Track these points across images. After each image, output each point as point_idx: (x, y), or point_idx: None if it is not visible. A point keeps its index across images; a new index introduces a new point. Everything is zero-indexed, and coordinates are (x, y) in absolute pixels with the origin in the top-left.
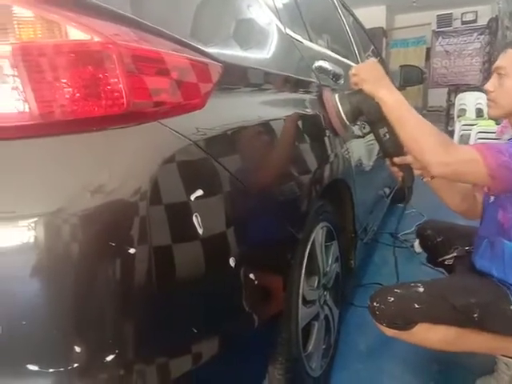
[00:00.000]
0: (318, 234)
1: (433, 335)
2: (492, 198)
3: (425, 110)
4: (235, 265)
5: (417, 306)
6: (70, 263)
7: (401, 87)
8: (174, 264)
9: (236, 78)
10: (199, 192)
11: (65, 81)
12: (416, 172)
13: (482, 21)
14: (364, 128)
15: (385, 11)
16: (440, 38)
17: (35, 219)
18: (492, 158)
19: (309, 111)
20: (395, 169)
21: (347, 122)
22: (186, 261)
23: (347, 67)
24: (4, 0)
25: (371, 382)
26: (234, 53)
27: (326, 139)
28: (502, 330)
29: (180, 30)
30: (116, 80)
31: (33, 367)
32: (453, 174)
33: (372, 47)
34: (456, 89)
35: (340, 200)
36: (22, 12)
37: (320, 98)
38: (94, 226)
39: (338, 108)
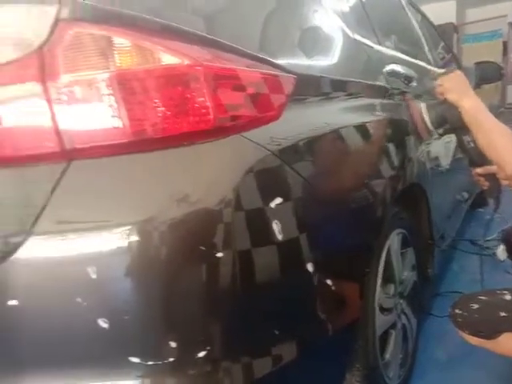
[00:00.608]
0: (394, 240)
1: None
2: None
3: (502, 108)
4: (313, 270)
5: (503, 315)
6: (168, 266)
7: (476, 85)
8: (257, 268)
9: (308, 87)
10: (278, 199)
11: (158, 101)
12: (503, 182)
13: None
14: (442, 132)
15: (455, 6)
16: None
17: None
18: None
19: (382, 116)
20: (481, 178)
21: (432, 129)
22: (268, 265)
23: (419, 69)
24: (105, 31)
25: None
26: (303, 62)
27: (401, 144)
28: None
29: (250, 44)
30: (203, 98)
31: (134, 359)
32: None
33: (442, 44)
34: None
35: (416, 205)
36: (121, 41)
37: (407, 105)
38: (186, 231)
39: (423, 115)
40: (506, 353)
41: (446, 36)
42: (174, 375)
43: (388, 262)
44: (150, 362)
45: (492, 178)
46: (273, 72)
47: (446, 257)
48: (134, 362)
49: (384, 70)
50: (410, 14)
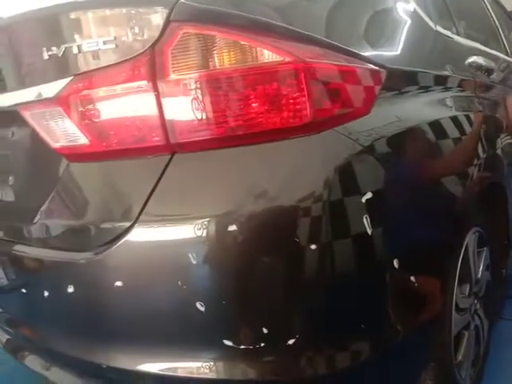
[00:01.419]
0: (471, 239)
1: None
2: None
3: None
4: (397, 266)
5: None
6: (258, 259)
7: None
8: (343, 262)
9: (397, 81)
10: (368, 194)
11: (261, 99)
12: None
13: None
14: None
15: None
16: None
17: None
18: None
19: (471, 111)
20: None
21: None
22: (354, 260)
23: (498, 60)
24: (209, 31)
25: None
26: (389, 56)
27: (488, 141)
28: None
29: (339, 37)
30: (301, 94)
31: (228, 342)
32: None
33: None
34: None
35: (495, 205)
36: (224, 41)
37: (503, 100)
38: (283, 222)
39: None
40: None
41: None
42: (263, 360)
43: (465, 261)
44: (242, 346)
45: None
46: (365, 66)
47: None
48: (228, 345)
49: (466, 62)
50: (485, 1)
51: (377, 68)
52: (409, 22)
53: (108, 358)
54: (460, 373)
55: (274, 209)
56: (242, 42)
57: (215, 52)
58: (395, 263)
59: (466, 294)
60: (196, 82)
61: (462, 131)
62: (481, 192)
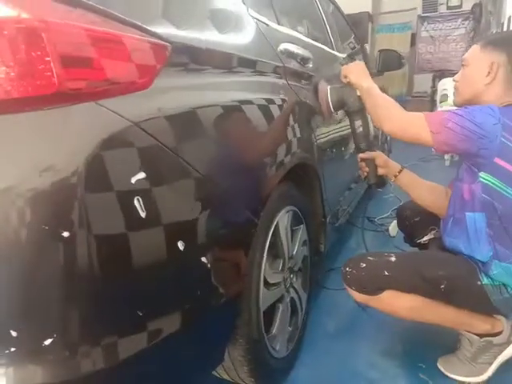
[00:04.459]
0: (283, 218)
1: (400, 302)
2: (459, 176)
3: (409, 96)
4: (186, 248)
5: (386, 273)
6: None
7: (379, 72)
8: (116, 248)
9: (187, 58)
10: (141, 174)
11: None
12: (380, 171)
13: (467, 6)
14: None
15: None
16: (425, 23)
17: None
18: (434, 116)
19: (272, 94)
20: (362, 164)
21: (332, 110)
22: (131, 245)
23: (319, 51)
24: None
25: (338, 362)
26: (187, 34)
27: (295, 125)
28: (467, 304)
29: (128, 9)
30: (46, 59)
31: None
32: (403, 129)
33: (353, 35)
34: (441, 74)
35: (309, 185)
36: None
37: (315, 86)
38: (26, 208)
39: (327, 97)
40: (386, 309)
41: (361, 24)
42: (34, 362)
43: (276, 239)
44: (12, 349)
45: (371, 163)
46: (141, 37)
47: (341, 233)
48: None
49: (278, 49)
50: (317, 1)
51: (159, 41)
52: (218, 2)
53: None
54: (273, 345)
55: (20, 190)
56: None
57: None
58: (180, 246)
59: (279, 269)
60: None
61: (262, 114)
62: (292, 174)
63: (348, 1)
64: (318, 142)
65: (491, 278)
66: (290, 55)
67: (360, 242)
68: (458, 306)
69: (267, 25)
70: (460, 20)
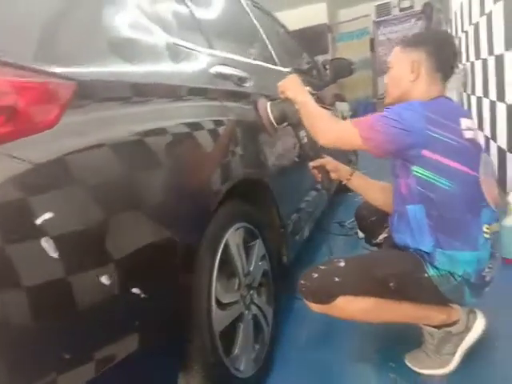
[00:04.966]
0: (233, 236)
1: (354, 306)
2: (395, 172)
3: (375, 99)
4: (117, 282)
5: (337, 280)
6: None
7: (332, 80)
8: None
9: (95, 94)
10: (48, 214)
11: None
12: (332, 176)
13: (419, 6)
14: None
15: (326, 7)
16: (381, 27)
17: None
18: (362, 122)
19: (197, 118)
20: (315, 171)
21: (276, 125)
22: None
23: (258, 69)
24: None
25: (310, 373)
26: (105, 69)
27: (222, 143)
28: (419, 297)
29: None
30: None
31: None
32: (335, 139)
33: (304, 54)
34: None
35: (261, 199)
36: None
37: (254, 104)
38: None
39: (268, 113)
40: (343, 315)
41: (321, 35)
42: None
43: (228, 258)
44: None
45: (323, 170)
46: (38, 79)
47: (314, 241)
48: None
49: (210, 72)
50: (256, 22)
51: (61, 81)
52: (136, 35)
53: None
54: (236, 366)
55: None
56: None
57: None
58: (104, 279)
59: (235, 288)
60: None
61: (190, 138)
62: (240, 190)
63: (305, 15)
64: (267, 156)
65: (437, 269)
66: (224, 77)
67: (331, 247)
68: (412, 301)
69: (196, 50)
70: (413, 20)
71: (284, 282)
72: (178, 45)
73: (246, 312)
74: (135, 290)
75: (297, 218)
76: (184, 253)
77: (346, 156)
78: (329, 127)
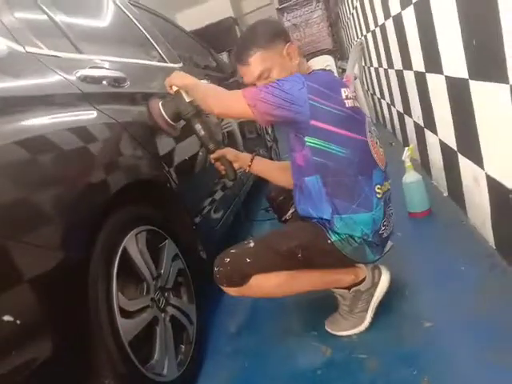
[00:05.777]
0: (132, 241)
1: (267, 283)
2: (290, 147)
3: None
4: None
5: (248, 260)
6: None
7: (234, 72)
8: None
9: None
10: None
11: None
12: (235, 166)
13: None
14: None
15: (229, 1)
16: (285, 14)
17: None
18: (249, 90)
19: (75, 123)
20: (217, 163)
21: (172, 123)
22: None
23: (141, 68)
24: None
25: (240, 359)
26: None
27: (97, 149)
28: (326, 263)
29: None
30: None
31: None
32: (225, 109)
33: (202, 49)
34: (313, 56)
35: (165, 202)
36: None
37: (147, 107)
38: None
39: (162, 114)
40: (258, 293)
41: (229, 29)
42: None
43: (130, 263)
44: None
45: (225, 161)
46: None
47: (243, 230)
48: None
49: (74, 76)
50: (139, 25)
51: None
52: None
53: None
54: (156, 371)
55: None
56: None
57: None
58: None
59: (143, 293)
60: None
61: (50, 148)
62: (137, 195)
63: (209, 10)
64: (166, 155)
65: (337, 234)
66: (94, 80)
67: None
68: (321, 268)
69: (57, 56)
70: (314, 3)
71: (207, 275)
72: (34, 53)
73: (162, 315)
74: (10, 317)
75: (210, 211)
76: (71, 267)
77: (264, 143)
78: (220, 96)
